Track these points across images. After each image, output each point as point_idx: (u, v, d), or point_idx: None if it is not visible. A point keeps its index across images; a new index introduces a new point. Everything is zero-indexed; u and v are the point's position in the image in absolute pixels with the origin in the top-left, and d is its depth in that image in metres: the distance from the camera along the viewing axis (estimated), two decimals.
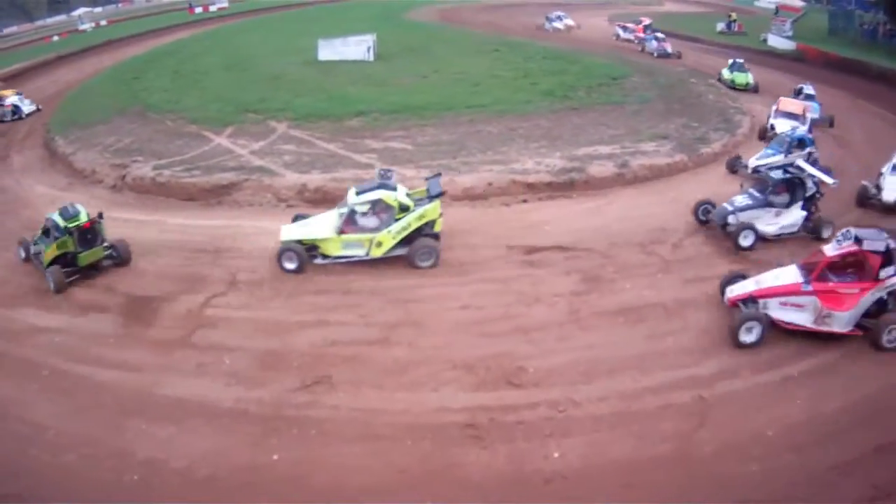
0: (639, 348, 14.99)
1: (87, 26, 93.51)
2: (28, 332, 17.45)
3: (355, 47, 46.83)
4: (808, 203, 20.29)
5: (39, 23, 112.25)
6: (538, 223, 21.11)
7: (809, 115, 30.79)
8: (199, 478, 12.15)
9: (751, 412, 13.07)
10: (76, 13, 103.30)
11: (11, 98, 45.57)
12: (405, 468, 11.86)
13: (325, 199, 23.53)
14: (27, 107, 45.21)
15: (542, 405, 13.17)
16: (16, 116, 44.44)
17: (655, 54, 49.72)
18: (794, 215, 20.22)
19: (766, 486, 11.39)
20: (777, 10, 67.39)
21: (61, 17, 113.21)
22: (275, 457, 12.43)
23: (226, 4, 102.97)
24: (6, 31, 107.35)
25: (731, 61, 42.60)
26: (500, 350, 14.88)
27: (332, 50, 47.52)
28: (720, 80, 40.76)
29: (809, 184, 20.23)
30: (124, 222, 23.43)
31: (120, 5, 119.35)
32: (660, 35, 52.68)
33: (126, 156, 29.69)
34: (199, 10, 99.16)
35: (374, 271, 18.66)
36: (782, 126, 29.24)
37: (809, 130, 28.97)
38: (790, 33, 57.29)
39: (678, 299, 16.94)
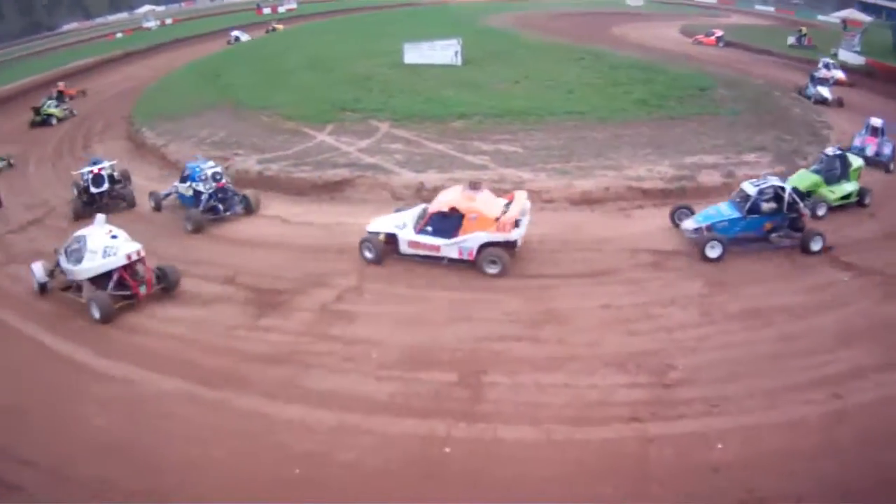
0: (771, 349, 15.28)
1: (152, 24, 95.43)
2: (152, 321, 17.77)
3: (442, 51, 47.01)
4: None
5: (99, 20, 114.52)
6: (656, 229, 21.34)
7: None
8: (369, 471, 12.20)
9: (882, 407, 13.45)
10: (140, 11, 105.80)
11: (235, 32, 71.43)
12: (581, 460, 12.16)
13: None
14: (244, 37, 70.53)
15: (696, 401, 13.53)
16: (237, 41, 69.53)
17: None
18: None
19: None
20: (845, 25, 66.50)
21: (122, 15, 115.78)
22: (447, 450, 12.56)
23: (294, 6, 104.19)
24: (66, 27, 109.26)
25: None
26: (648, 348, 15.25)
27: (418, 53, 47.83)
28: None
29: None
30: (232, 214, 24.29)
31: (183, 4, 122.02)
32: None
33: (225, 149, 30.53)
34: (267, 10, 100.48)
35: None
36: None
37: None
38: (859, 48, 56.56)
39: (800, 304, 17.19)
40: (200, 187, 23.90)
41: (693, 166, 25.12)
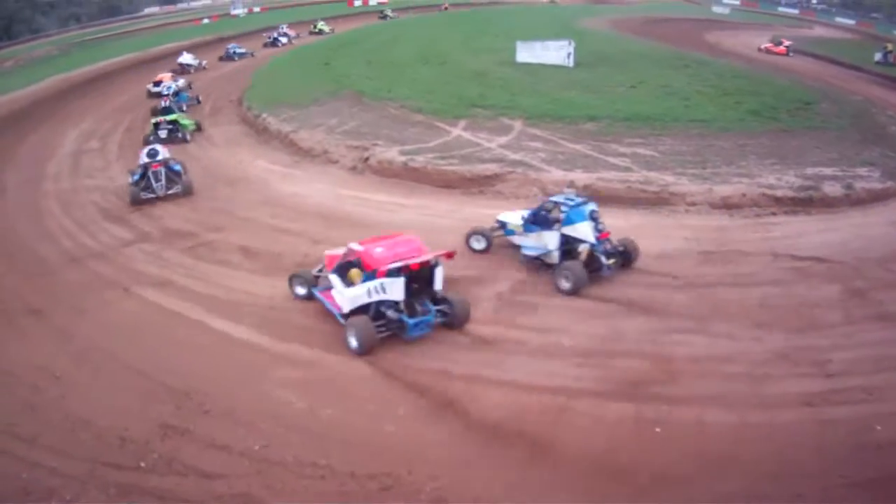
0: None
1: (239, 11, 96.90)
2: (313, 305, 17.69)
3: (555, 52, 47.57)
4: None
5: (182, 5, 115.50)
6: (791, 235, 22.19)
7: None
8: (597, 450, 12.60)
9: None
10: None
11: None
12: (773, 438, 13.09)
13: (592, 197, 24.41)
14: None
15: (854, 390, 14.53)
16: None
17: None
18: None
19: None
20: None
21: (206, 1, 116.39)
22: (657, 430, 13.23)
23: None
24: (146, 10, 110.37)
25: None
26: (805, 344, 16.23)
27: (530, 52, 48.59)
28: None
29: None
30: (380, 204, 25.02)
31: None
32: None
33: (360, 138, 31.30)
34: (358, 3, 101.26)
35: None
36: None
37: None
38: None
39: None
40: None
41: (816, 177, 25.69)
